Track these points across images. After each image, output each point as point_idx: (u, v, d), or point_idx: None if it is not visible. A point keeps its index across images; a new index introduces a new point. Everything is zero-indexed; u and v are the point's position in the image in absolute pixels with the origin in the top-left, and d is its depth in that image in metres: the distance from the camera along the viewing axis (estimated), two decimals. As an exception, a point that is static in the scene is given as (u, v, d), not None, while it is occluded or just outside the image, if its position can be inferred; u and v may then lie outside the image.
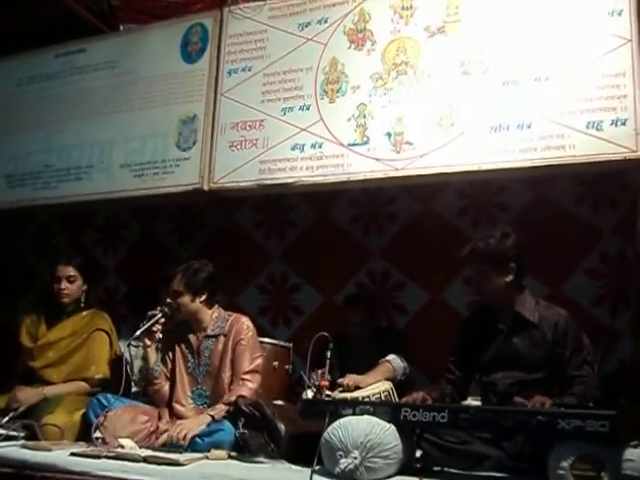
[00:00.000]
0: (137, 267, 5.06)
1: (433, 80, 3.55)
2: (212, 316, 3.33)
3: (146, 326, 3.22)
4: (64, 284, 3.61)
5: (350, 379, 3.46)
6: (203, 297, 3.30)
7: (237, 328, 3.28)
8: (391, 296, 4.37)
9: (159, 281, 3.89)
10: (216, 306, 3.37)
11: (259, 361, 3.28)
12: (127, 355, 3.69)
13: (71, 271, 3.64)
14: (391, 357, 3.65)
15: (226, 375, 3.21)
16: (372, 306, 3.99)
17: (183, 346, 3.33)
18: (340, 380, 3.47)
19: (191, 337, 3.32)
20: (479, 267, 2.83)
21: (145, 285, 4.38)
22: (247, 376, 3.18)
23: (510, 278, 2.79)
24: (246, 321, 3.33)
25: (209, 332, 3.30)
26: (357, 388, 3.44)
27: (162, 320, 3.26)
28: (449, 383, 2.92)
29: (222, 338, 3.28)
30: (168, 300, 3.30)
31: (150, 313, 3.27)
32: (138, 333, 3.23)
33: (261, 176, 3.84)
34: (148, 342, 3.29)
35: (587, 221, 3.95)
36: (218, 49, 4.14)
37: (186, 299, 3.27)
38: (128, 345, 3.74)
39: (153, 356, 3.30)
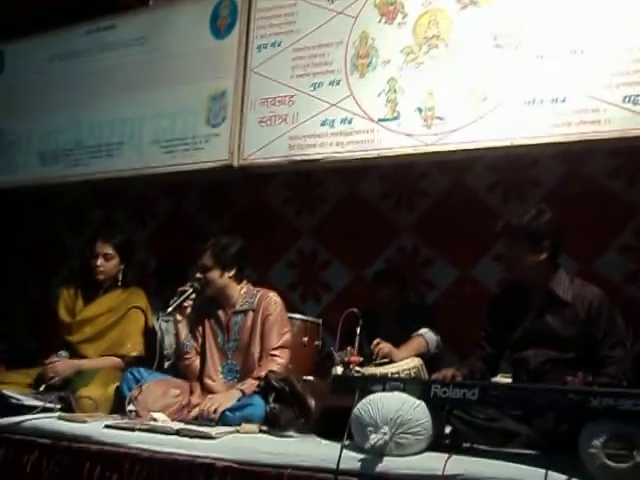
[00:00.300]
0: (167, 242, 5.11)
1: (465, 54, 3.48)
2: (241, 292, 3.34)
3: (178, 302, 3.25)
4: (100, 261, 3.63)
5: (385, 346, 3.46)
6: (232, 272, 3.31)
7: (265, 303, 3.29)
8: (421, 272, 4.35)
9: (188, 257, 3.92)
10: (245, 282, 3.38)
11: (288, 336, 3.28)
12: (158, 331, 3.73)
13: (108, 249, 3.65)
14: (423, 331, 3.65)
15: (256, 350, 3.23)
16: (403, 281, 3.99)
17: (212, 321, 3.35)
18: (374, 344, 3.46)
19: (220, 313, 3.34)
20: (512, 244, 2.79)
21: (173, 261, 4.42)
22: (276, 352, 3.19)
23: (544, 256, 2.75)
24: (274, 296, 3.33)
25: (238, 308, 3.31)
26: (388, 361, 3.45)
27: (192, 296, 3.29)
28: (479, 359, 2.91)
29: (251, 313, 3.29)
30: (197, 275, 3.33)
31: (181, 289, 3.29)
32: (170, 309, 3.26)
33: (291, 152, 3.83)
34: (179, 317, 3.32)
35: (621, 196, 3.88)
36: (247, 24, 4.11)
37: (215, 274, 3.28)
38: (160, 321, 3.78)
39: (184, 331, 3.34)
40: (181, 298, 3.25)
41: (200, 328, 3.37)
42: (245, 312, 3.30)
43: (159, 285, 4.26)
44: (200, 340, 3.35)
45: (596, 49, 3.21)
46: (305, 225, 4.78)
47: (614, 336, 2.66)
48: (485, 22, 3.46)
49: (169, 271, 4.25)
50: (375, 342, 3.47)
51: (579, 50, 3.24)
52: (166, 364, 3.76)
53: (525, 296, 2.84)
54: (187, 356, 3.32)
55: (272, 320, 3.25)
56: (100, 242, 3.67)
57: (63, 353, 3.57)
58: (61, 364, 3.40)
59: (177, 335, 3.35)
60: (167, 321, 3.77)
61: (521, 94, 3.31)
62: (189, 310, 3.32)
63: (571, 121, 3.18)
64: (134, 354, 3.57)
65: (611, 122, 3.10)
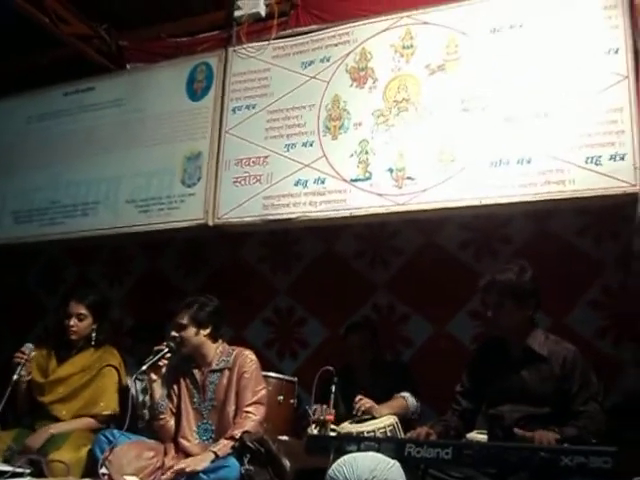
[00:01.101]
0: (142, 300, 5.10)
1: (434, 116, 3.61)
2: (217, 350, 3.34)
3: (152, 360, 3.23)
4: (73, 321, 3.62)
5: (367, 402, 3.46)
6: (207, 331, 3.31)
7: (241, 361, 3.29)
8: (396, 329, 4.38)
9: (164, 315, 3.92)
10: (220, 341, 3.39)
11: (263, 392, 3.27)
12: (133, 390, 3.69)
13: (82, 309, 3.64)
14: (405, 394, 3.64)
15: (231, 409, 3.21)
16: (373, 331, 4.00)
17: (188, 381, 3.33)
18: (356, 399, 3.46)
19: (196, 372, 3.33)
20: (498, 300, 2.84)
21: (150, 319, 4.40)
22: (250, 408, 3.18)
23: (529, 313, 2.82)
24: (249, 354, 3.34)
25: (214, 366, 3.31)
26: (369, 417, 3.44)
27: (168, 355, 3.28)
28: (455, 415, 2.93)
29: (227, 372, 3.29)
30: (173, 333, 3.33)
31: (156, 348, 3.28)
32: (144, 367, 3.24)
33: (265, 211, 3.89)
34: (154, 377, 3.29)
35: (589, 253, 3.98)
36: (223, 87, 4.22)
37: (190, 332, 3.28)
38: (134, 380, 3.75)
39: (159, 391, 3.31)
40: (156, 357, 3.24)
41: (175, 387, 3.35)
42: (221, 371, 3.30)
43: (135, 344, 4.23)
44: (175, 400, 3.33)
45: (560, 112, 3.35)
46: (281, 283, 4.80)
47: (587, 391, 2.70)
48: (452, 87, 3.60)
49: (145, 330, 4.23)
50: (357, 398, 3.47)
51: (543, 113, 3.38)
52: (140, 424, 3.72)
53: (502, 351, 2.88)
54: (161, 416, 3.29)
55: (247, 377, 3.25)
56: (73, 302, 3.66)
57: (30, 345, 3.52)
58: (32, 439, 3.30)
59: (151, 395, 3.33)
60: (142, 380, 3.75)
61: (488, 155, 3.43)
62: (164, 370, 3.30)
63: (537, 181, 3.29)
64: (107, 413, 3.53)
65: (575, 182, 3.22)
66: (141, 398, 3.88)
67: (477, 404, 2.92)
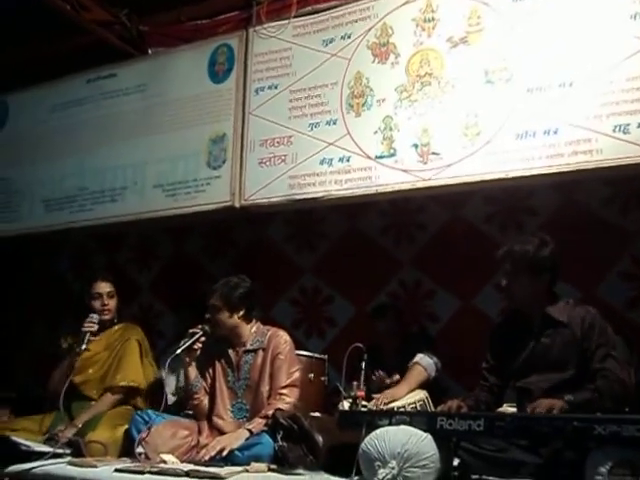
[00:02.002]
0: (171, 285, 5.16)
1: (457, 90, 3.57)
2: (251, 331, 3.38)
3: (187, 344, 3.28)
4: (106, 300, 3.71)
5: (385, 396, 3.48)
6: (241, 312, 3.35)
7: (275, 342, 3.32)
8: (423, 304, 4.38)
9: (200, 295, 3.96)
10: (254, 321, 3.42)
11: (297, 375, 3.31)
12: (165, 372, 3.74)
13: (109, 287, 3.77)
14: (418, 357, 3.66)
15: (265, 389, 3.25)
16: (398, 314, 4.03)
17: (223, 361, 3.38)
18: (375, 399, 3.48)
19: (230, 352, 3.37)
20: (513, 270, 2.85)
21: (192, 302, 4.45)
22: (285, 390, 3.21)
23: (543, 286, 2.82)
24: (284, 335, 3.37)
25: (248, 347, 3.35)
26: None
27: (202, 338, 3.32)
28: (484, 390, 2.94)
29: (261, 352, 3.32)
30: (207, 315, 3.37)
31: (191, 331, 3.33)
32: (179, 351, 3.29)
33: (291, 191, 3.90)
34: (188, 360, 3.35)
35: (616, 223, 3.93)
36: (244, 68, 4.22)
37: (224, 315, 3.32)
38: (168, 363, 3.80)
39: (193, 372, 3.36)
40: (190, 340, 3.29)
41: (210, 368, 3.39)
42: (255, 351, 3.34)
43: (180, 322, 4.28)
44: (210, 380, 3.38)
45: (585, 81, 3.29)
46: (307, 262, 4.82)
47: (605, 349, 2.69)
48: (475, 59, 3.55)
49: (188, 309, 4.27)
50: (374, 401, 3.47)
51: (568, 82, 3.32)
52: (172, 403, 3.78)
53: (524, 324, 2.88)
54: (196, 396, 3.34)
55: (282, 359, 3.28)
56: (101, 282, 3.76)
57: (95, 315, 3.63)
58: (63, 433, 3.34)
59: (186, 376, 3.38)
60: (175, 361, 3.80)
61: (513, 127, 3.39)
62: (198, 352, 3.34)
63: (564, 152, 3.25)
64: (124, 384, 3.61)
65: (603, 152, 3.17)
66: (174, 379, 3.93)
67: (504, 379, 2.92)
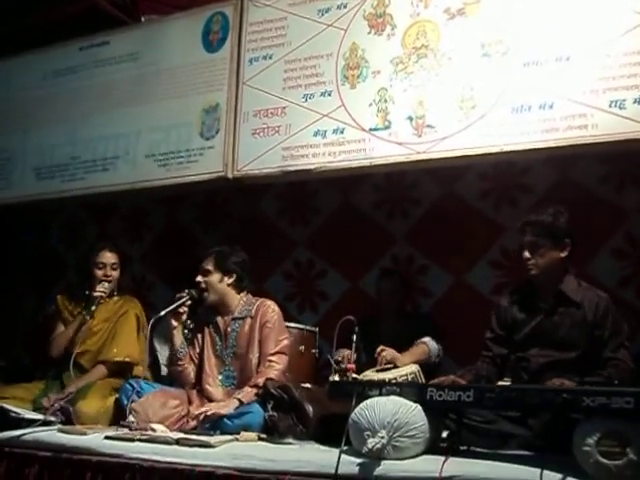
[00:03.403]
0: (163, 256, 5.14)
1: (453, 62, 3.54)
2: (240, 300, 3.40)
3: (171, 307, 3.30)
4: (109, 271, 3.70)
5: (389, 353, 3.49)
6: (232, 279, 3.37)
7: (263, 311, 3.35)
8: (416, 279, 4.38)
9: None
10: (244, 292, 3.44)
11: (286, 342, 3.34)
12: (149, 337, 3.69)
13: (115, 258, 3.74)
14: (426, 339, 3.68)
15: (254, 357, 3.27)
16: (403, 281, 4.10)
17: (211, 329, 3.40)
18: (378, 350, 3.49)
19: (219, 320, 3.39)
20: (534, 239, 2.84)
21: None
22: (274, 357, 3.23)
23: (565, 254, 2.83)
24: (272, 304, 3.40)
25: (236, 314, 3.37)
26: (392, 367, 3.47)
27: (188, 302, 3.33)
28: (486, 362, 2.93)
29: (249, 320, 3.34)
30: (198, 278, 3.36)
31: (177, 295, 3.34)
32: (163, 313, 3.30)
33: (284, 163, 3.87)
34: (174, 323, 3.35)
35: (611, 201, 3.92)
36: (239, 37, 4.16)
37: (215, 278, 3.35)
38: (150, 326, 3.78)
39: (179, 338, 3.37)
40: (176, 304, 3.30)
41: (199, 336, 3.42)
42: (243, 319, 3.36)
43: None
44: (198, 348, 3.39)
45: (582, 55, 3.26)
46: (300, 235, 4.81)
47: (618, 339, 2.71)
48: (472, 31, 3.52)
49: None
50: (379, 349, 3.50)
51: (565, 57, 3.30)
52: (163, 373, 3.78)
53: (533, 297, 2.89)
54: (180, 362, 3.36)
55: (270, 327, 3.30)
56: (107, 252, 3.73)
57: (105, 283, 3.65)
58: (49, 400, 3.34)
59: (171, 341, 3.38)
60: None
61: (509, 101, 3.37)
62: (184, 317, 3.35)
63: (559, 127, 3.23)
64: (118, 359, 3.59)
65: (598, 127, 3.16)
66: (164, 347, 3.92)
67: (508, 349, 2.92)
